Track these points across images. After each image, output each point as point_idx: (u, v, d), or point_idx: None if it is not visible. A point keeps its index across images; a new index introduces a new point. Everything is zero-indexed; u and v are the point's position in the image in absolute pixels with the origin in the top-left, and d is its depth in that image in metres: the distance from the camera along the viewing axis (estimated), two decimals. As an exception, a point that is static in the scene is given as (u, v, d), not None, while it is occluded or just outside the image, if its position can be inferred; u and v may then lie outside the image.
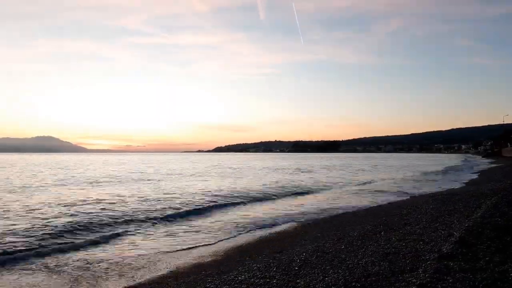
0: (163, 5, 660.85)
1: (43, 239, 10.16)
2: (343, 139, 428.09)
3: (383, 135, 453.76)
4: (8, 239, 10.07)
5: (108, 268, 8.01)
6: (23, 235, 10.56)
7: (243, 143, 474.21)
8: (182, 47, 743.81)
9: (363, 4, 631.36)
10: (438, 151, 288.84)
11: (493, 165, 54.40)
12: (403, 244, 7.39)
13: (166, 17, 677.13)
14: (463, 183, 26.22)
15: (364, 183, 29.03)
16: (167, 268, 8.17)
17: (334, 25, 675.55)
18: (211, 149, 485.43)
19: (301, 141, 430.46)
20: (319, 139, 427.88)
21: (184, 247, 9.84)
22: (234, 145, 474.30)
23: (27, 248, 9.36)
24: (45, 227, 11.48)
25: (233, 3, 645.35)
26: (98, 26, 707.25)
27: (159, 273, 7.76)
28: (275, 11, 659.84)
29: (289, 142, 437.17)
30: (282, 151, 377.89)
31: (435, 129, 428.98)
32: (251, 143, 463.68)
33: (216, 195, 19.63)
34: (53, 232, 10.97)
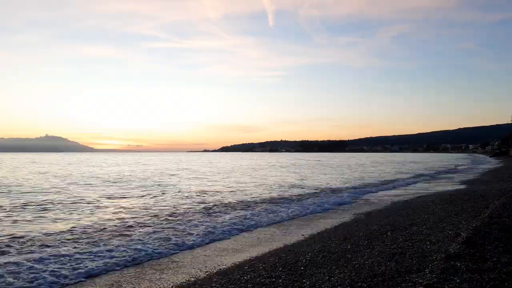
0: (177, 12, 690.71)
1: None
2: (349, 139, 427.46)
3: (390, 134, 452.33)
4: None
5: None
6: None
7: (249, 143, 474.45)
8: (193, 51, 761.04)
9: (367, 11, 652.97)
10: (445, 150, 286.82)
11: (501, 165, 53.93)
12: (410, 244, 7.36)
13: (179, 24, 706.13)
14: (470, 183, 26.01)
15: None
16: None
17: (339, 30, 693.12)
18: (216, 148, 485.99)
19: (307, 140, 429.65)
20: (325, 139, 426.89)
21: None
22: (240, 144, 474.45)
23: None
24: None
25: (243, 11, 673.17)
26: (113, 31, 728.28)
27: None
28: (283, 17, 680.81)
29: (295, 141, 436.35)
30: (288, 150, 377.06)
31: (442, 129, 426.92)
32: (257, 143, 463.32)
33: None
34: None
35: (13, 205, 15.63)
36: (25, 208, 14.85)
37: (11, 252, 8.37)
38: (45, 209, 14.64)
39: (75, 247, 8.81)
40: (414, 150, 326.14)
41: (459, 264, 5.46)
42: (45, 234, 10.17)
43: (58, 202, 16.75)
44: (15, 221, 12.15)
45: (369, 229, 9.89)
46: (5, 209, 14.56)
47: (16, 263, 7.51)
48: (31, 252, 8.40)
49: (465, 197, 14.81)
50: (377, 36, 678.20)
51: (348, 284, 5.34)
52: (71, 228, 11.03)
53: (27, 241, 9.39)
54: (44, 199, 17.83)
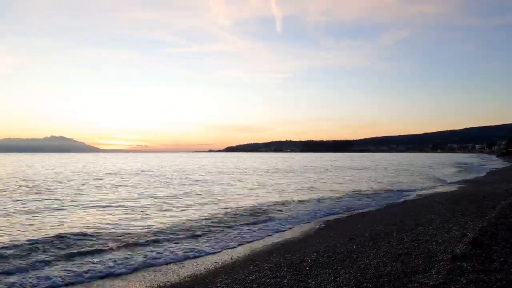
0: (190, 19, 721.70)
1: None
2: (355, 139, 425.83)
3: (395, 134, 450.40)
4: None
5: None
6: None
7: (253, 143, 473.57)
8: (202, 54, 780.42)
9: (371, 17, 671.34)
10: (451, 150, 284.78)
11: (508, 165, 53.50)
12: (416, 244, 7.33)
13: (192, 29, 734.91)
14: (477, 183, 25.82)
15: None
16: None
17: (345, 35, 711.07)
18: (221, 149, 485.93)
19: (312, 140, 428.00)
20: (330, 139, 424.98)
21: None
22: (245, 145, 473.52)
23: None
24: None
25: (252, 17, 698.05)
26: (127, 37, 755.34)
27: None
28: (290, 23, 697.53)
29: (300, 142, 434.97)
30: (293, 151, 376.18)
31: (449, 129, 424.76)
32: (262, 143, 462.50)
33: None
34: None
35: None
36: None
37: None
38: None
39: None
40: (420, 150, 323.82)
41: (465, 265, 5.42)
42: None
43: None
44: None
45: (374, 229, 9.86)
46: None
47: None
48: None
49: (471, 198, 14.72)
50: (381, 40, 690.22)
51: (354, 285, 5.33)
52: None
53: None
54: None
